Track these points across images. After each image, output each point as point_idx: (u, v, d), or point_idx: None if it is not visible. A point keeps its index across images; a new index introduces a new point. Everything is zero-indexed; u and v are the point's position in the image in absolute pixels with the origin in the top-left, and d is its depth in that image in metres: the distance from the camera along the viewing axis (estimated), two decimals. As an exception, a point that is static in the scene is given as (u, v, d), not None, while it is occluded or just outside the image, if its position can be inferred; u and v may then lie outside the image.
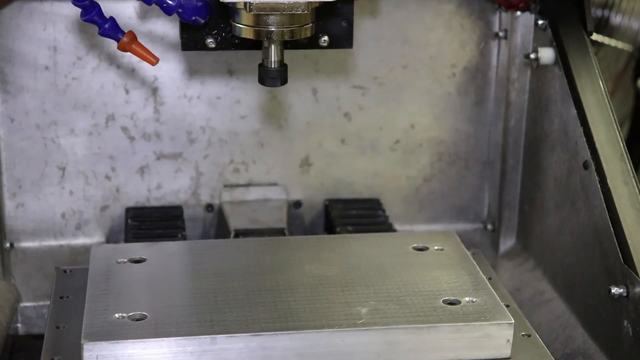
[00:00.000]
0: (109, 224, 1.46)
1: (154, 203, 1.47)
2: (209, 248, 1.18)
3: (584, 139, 1.22)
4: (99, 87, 1.40)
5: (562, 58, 1.30)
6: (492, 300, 1.04)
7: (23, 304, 1.44)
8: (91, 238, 1.45)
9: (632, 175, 1.17)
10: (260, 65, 1.14)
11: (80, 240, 1.45)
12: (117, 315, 1.00)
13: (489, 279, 1.15)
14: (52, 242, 1.45)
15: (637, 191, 1.15)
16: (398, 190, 1.51)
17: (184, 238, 1.37)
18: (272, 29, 1.08)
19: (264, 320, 0.99)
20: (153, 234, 1.36)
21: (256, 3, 1.05)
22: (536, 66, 1.36)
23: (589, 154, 1.21)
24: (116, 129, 1.42)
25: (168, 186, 1.46)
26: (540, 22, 1.35)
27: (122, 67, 1.40)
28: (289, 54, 1.15)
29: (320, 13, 1.15)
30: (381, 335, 0.98)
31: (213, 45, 1.18)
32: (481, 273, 1.11)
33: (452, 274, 1.11)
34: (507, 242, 1.49)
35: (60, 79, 1.38)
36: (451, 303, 1.03)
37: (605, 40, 1.59)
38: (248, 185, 1.48)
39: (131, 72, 1.40)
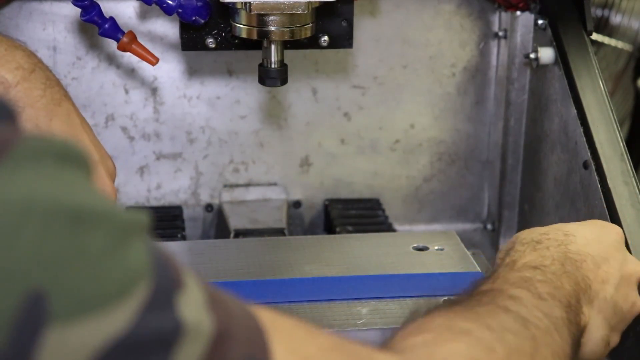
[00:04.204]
0: (108, 224, 1.46)
1: (153, 203, 1.47)
2: (209, 248, 1.18)
3: (584, 139, 1.22)
4: (98, 87, 1.40)
5: (562, 58, 1.30)
6: (492, 300, 1.04)
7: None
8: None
9: (632, 175, 1.17)
10: (260, 65, 1.14)
11: (80, 241, 1.45)
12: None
13: (489, 279, 1.15)
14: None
15: (637, 191, 1.15)
16: (398, 190, 1.51)
17: (184, 238, 1.37)
18: (272, 29, 1.08)
19: (264, 320, 0.99)
20: (153, 234, 1.36)
21: (256, 3, 1.05)
22: (536, 66, 1.36)
23: (589, 153, 1.21)
24: (116, 129, 1.42)
25: (168, 186, 1.46)
26: (540, 21, 1.35)
27: (122, 67, 1.40)
28: (289, 54, 1.15)
29: (320, 13, 1.15)
30: (381, 335, 0.98)
31: (213, 45, 1.18)
32: (482, 273, 1.11)
33: (452, 273, 1.11)
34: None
35: (60, 79, 1.36)
36: (451, 303, 1.03)
37: (605, 40, 1.59)
38: (248, 185, 1.48)
39: (131, 72, 1.40)
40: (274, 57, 1.12)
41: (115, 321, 0.49)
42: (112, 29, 1.13)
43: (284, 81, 1.14)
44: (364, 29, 1.42)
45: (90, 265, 0.49)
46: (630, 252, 1.10)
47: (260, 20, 1.08)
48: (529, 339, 0.72)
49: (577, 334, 0.82)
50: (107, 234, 0.50)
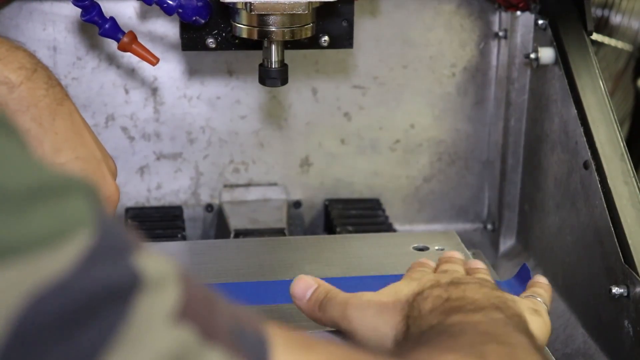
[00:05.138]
0: (108, 224, 1.46)
1: (153, 203, 1.47)
2: (209, 248, 1.18)
3: (584, 139, 1.22)
4: (98, 87, 1.40)
5: (562, 58, 1.30)
6: (492, 301, 1.04)
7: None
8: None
9: (632, 175, 1.17)
10: (261, 66, 1.14)
11: (80, 241, 1.45)
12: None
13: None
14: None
15: (638, 191, 1.15)
16: (398, 190, 1.51)
17: (184, 238, 1.37)
18: (273, 29, 1.08)
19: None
20: (153, 234, 1.36)
21: (256, 3, 1.05)
22: (536, 66, 1.36)
23: (589, 153, 1.21)
24: (116, 129, 1.42)
25: (168, 186, 1.46)
26: (540, 21, 1.35)
27: (122, 67, 1.40)
28: (289, 54, 1.15)
29: (320, 13, 1.15)
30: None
31: (213, 46, 1.18)
32: None
33: None
34: (507, 242, 1.49)
35: (60, 79, 1.36)
36: (452, 303, 1.03)
37: (605, 40, 1.59)
38: (248, 185, 1.48)
39: (131, 72, 1.40)
40: (274, 57, 1.12)
41: (47, 267, 0.44)
42: (112, 29, 1.13)
43: (284, 81, 1.14)
44: (364, 29, 1.42)
45: (10, 207, 0.45)
46: (630, 252, 1.10)
47: (261, 20, 1.08)
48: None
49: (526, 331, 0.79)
50: (31, 180, 0.46)
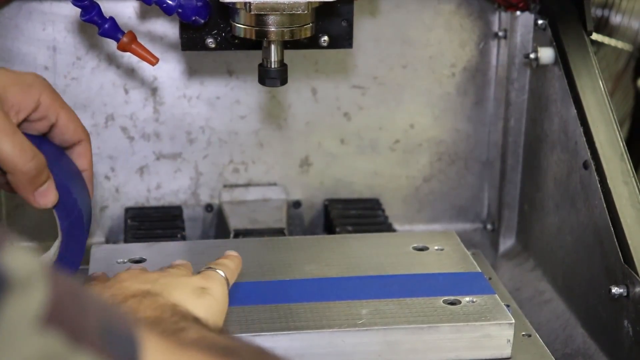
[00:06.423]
0: (108, 224, 1.46)
1: (153, 203, 1.47)
2: (209, 248, 1.18)
3: (584, 139, 1.22)
4: (98, 87, 1.40)
5: (562, 58, 1.30)
6: (492, 300, 1.04)
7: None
8: (91, 238, 1.45)
9: (632, 175, 1.17)
10: (260, 66, 1.14)
11: (80, 241, 1.45)
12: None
13: (489, 279, 1.15)
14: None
15: (637, 191, 1.15)
16: (398, 190, 1.51)
17: (184, 238, 1.37)
18: (272, 29, 1.08)
19: (264, 320, 0.99)
20: (152, 234, 1.36)
21: (256, 3, 1.05)
22: (536, 66, 1.36)
23: (588, 153, 1.21)
24: (115, 129, 1.42)
25: (167, 186, 1.46)
26: (539, 21, 1.35)
27: (122, 67, 1.40)
28: (289, 54, 1.15)
29: (320, 13, 1.15)
30: (381, 335, 0.98)
31: (213, 45, 1.18)
32: (481, 273, 1.11)
33: (452, 274, 1.11)
34: (507, 242, 1.48)
35: (60, 79, 1.38)
36: (451, 303, 1.03)
37: (605, 40, 1.59)
38: (247, 185, 1.48)
39: (131, 72, 1.40)
40: (273, 57, 1.12)
41: None
42: (111, 29, 1.13)
43: (283, 81, 1.14)
44: (363, 29, 1.42)
45: None
46: (630, 252, 1.10)
47: (260, 20, 1.08)
48: None
49: None
50: None
